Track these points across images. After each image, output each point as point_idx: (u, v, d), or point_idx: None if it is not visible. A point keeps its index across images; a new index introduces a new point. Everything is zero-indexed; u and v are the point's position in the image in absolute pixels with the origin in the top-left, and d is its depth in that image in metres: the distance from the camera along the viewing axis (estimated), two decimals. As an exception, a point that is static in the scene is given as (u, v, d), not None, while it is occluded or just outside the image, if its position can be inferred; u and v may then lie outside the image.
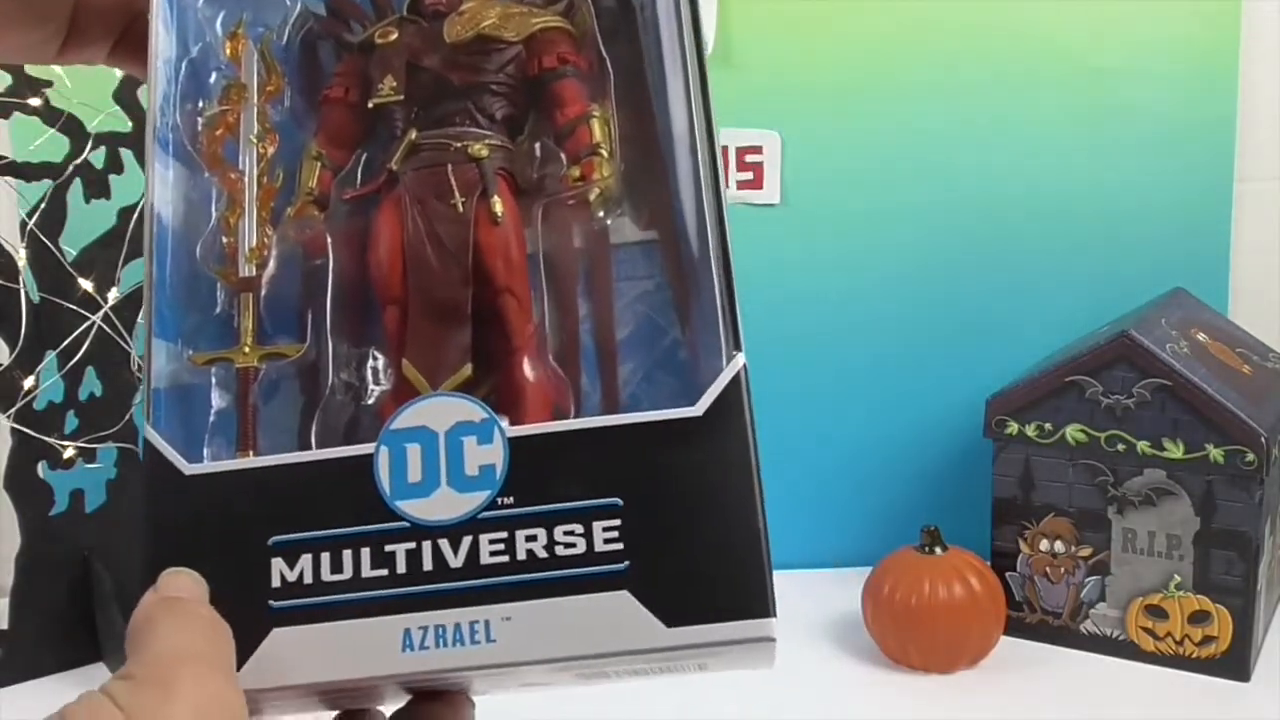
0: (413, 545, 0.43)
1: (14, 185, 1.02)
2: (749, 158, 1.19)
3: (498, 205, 0.50)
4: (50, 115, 1.02)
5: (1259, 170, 1.22)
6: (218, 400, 0.50)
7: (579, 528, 0.43)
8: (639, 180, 0.51)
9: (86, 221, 1.04)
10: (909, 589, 1.02)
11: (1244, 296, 1.23)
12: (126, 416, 1.07)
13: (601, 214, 0.51)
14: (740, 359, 0.45)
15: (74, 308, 1.04)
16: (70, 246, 1.03)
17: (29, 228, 1.02)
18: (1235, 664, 1.01)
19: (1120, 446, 1.03)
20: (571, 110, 0.52)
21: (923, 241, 1.20)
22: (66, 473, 1.06)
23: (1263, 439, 0.97)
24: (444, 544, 0.43)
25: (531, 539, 0.43)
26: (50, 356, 1.04)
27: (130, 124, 1.04)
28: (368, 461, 0.44)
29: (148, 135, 0.49)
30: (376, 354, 0.50)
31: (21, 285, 1.02)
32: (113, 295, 1.06)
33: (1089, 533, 1.06)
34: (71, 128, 1.03)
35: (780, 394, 1.18)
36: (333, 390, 0.50)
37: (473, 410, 0.45)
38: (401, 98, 0.52)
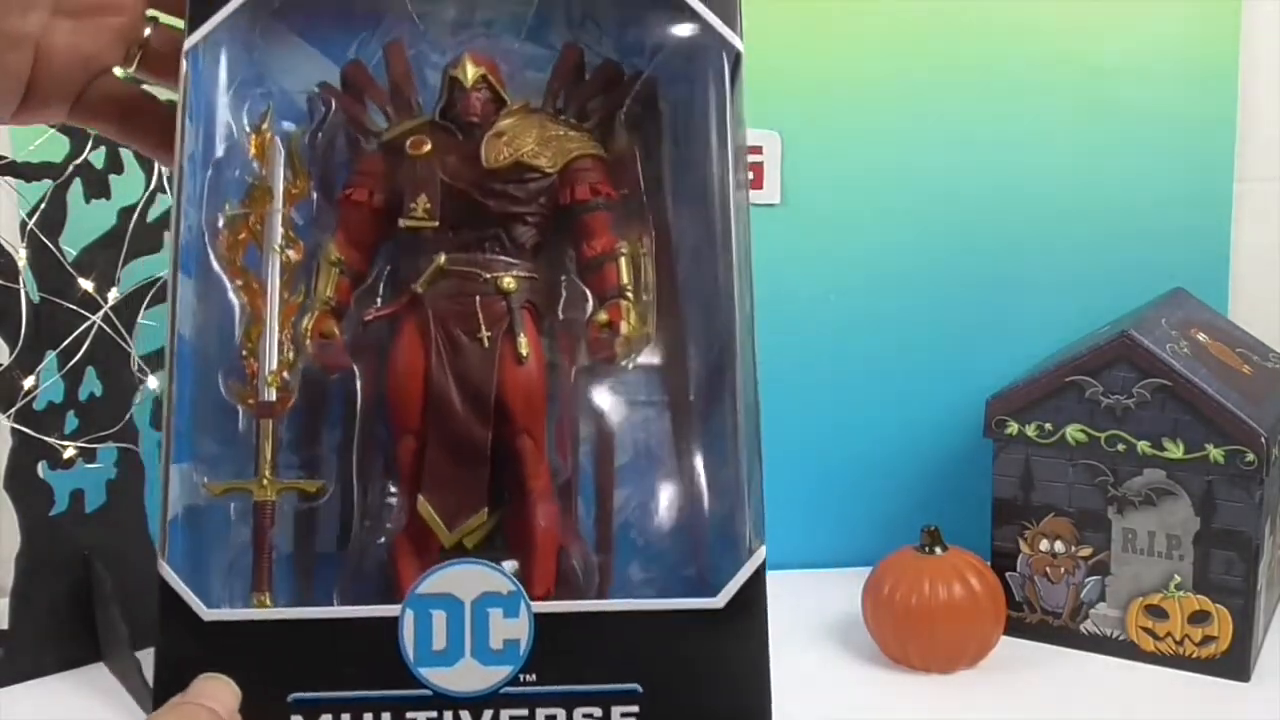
0: (434, 715, 0.44)
1: (14, 185, 1.02)
2: (749, 158, 1.19)
3: (524, 345, 0.49)
4: (50, 115, 1.02)
5: (1259, 170, 1.22)
6: (234, 534, 0.49)
7: (598, 711, 0.44)
8: (649, 299, 0.50)
9: (86, 221, 1.04)
10: (909, 589, 1.02)
11: (1244, 296, 1.23)
12: (127, 416, 1.07)
13: (625, 363, 0.50)
14: (762, 552, 0.45)
15: (74, 308, 1.04)
16: (70, 246, 1.03)
17: (29, 228, 1.02)
18: (1235, 664, 1.01)
19: (1120, 446, 1.03)
20: (600, 244, 0.51)
21: (923, 241, 1.20)
22: (66, 473, 1.06)
23: (1263, 439, 0.97)
24: (465, 716, 0.44)
25: (551, 718, 0.44)
26: (50, 356, 1.04)
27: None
28: (392, 624, 0.44)
29: (170, 248, 0.48)
30: (391, 487, 0.50)
31: (21, 285, 1.02)
32: (113, 295, 1.06)
33: (1089, 533, 1.06)
34: (71, 127, 1.03)
35: (780, 394, 1.18)
36: (347, 524, 0.49)
37: (501, 582, 0.45)
38: (436, 224, 0.51)
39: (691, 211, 0.49)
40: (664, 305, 0.50)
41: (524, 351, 0.49)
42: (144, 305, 1.07)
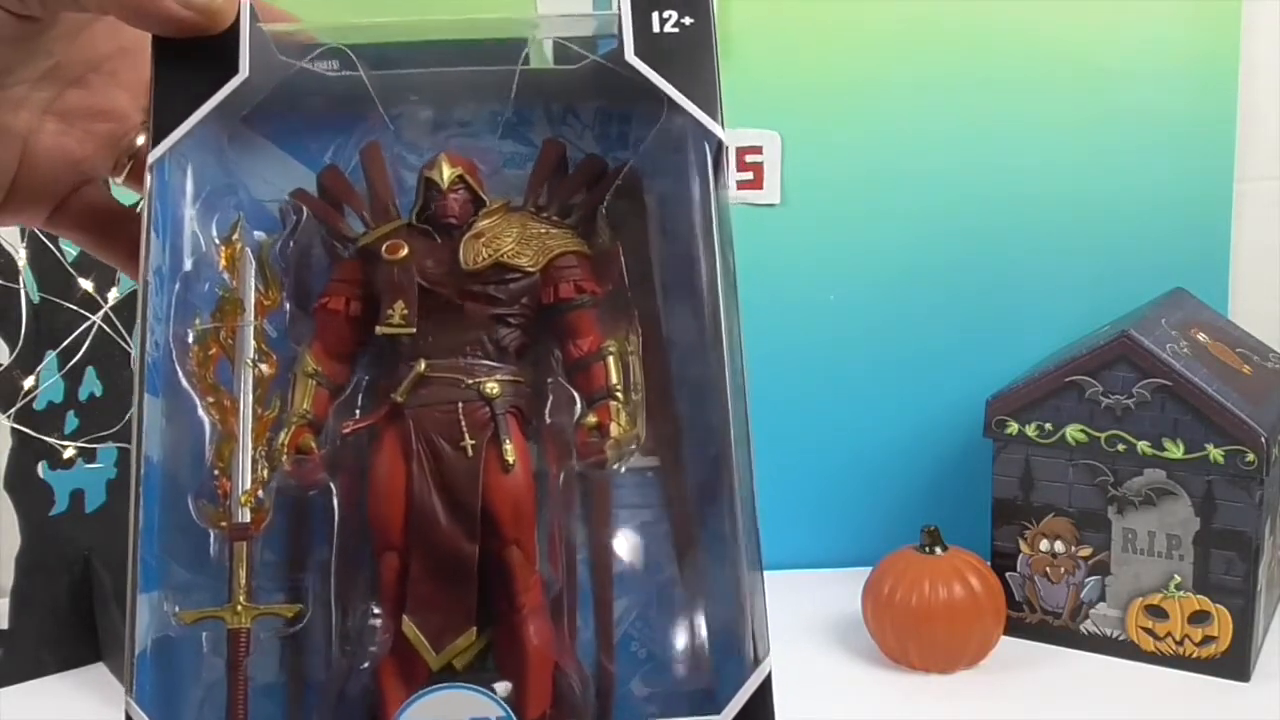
0: None
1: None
2: (749, 158, 1.19)
3: (509, 452, 0.46)
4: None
5: (1259, 170, 1.22)
6: (207, 667, 0.46)
7: None
8: (641, 398, 0.48)
9: (86, 221, 1.04)
10: (909, 589, 1.02)
11: (1244, 296, 1.23)
12: (126, 416, 1.07)
13: (617, 465, 0.48)
14: (768, 664, 0.42)
15: (74, 308, 1.04)
16: (70, 246, 1.03)
17: (29, 228, 1.02)
18: (1235, 664, 1.01)
19: (1120, 446, 1.03)
20: (586, 343, 0.49)
21: (923, 241, 1.20)
22: (66, 473, 1.06)
23: (1263, 439, 0.97)
24: None
25: None
26: (50, 356, 1.04)
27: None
28: None
29: (136, 366, 0.45)
30: (375, 608, 0.47)
31: (21, 285, 1.02)
32: (113, 295, 1.06)
33: (1089, 533, 1.06)
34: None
35: (780, 394, 1.18)
36: (326, 648, 0.47)
37: (489, 707, 0.42)
38: (413, 330, 0.48)
39: (681, 307, 0.48)
40: (658, 405, 0.48)
41: (510, 459, 0.46)
42: (144, 305, 1.07)
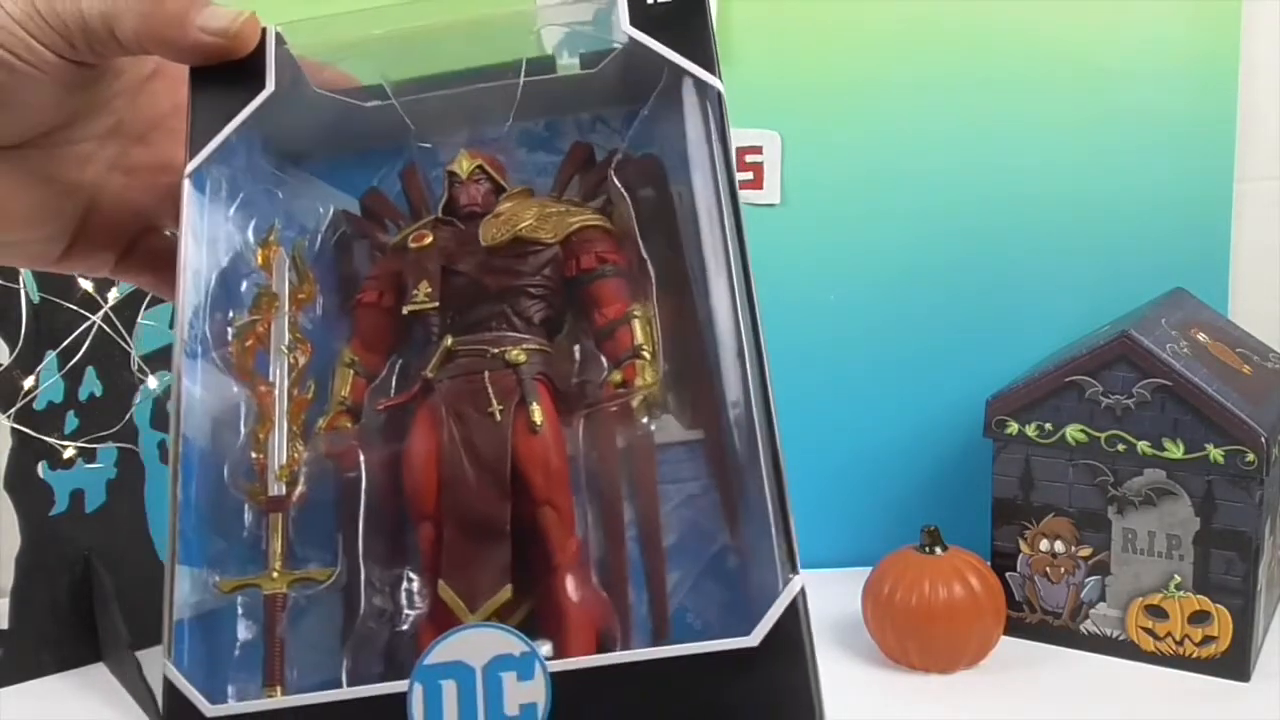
0: None
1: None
2: (749, 158, 1.19)
3: (537, 413, 0.47)
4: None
5: (1259, 170, 1.22)
6: (244, 631, 0.47)
7: None
8: (683, 377, 0.49)
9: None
10: (909, 589, 1.02)
11: (1244, 296, 1.23)
12: (126, 416, 1.08)
13: (645, 419, 0.48)
14: (798, 582, 0.42)
15: (74, 308, 1.04)
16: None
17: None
18: (1235, 664, 1.01)
19: (1120, 446, 1.03)
20: (611, 311, 0.50)
21: (923, 241, 1.20)
22: (66, 473, 1.06)
23: (1263, 439, 0.97)
24: None
25: None
26: (50, 356, 1.04)
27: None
28: (401, 700, 0.41)
29: (176, 351, 0.47)
30: (411, 575, 0.48)
31: (21, 285, 1.02)
32: (113, 295, 1.06)
33: (1089, 533, 1.06)
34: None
35: (780, 394, 1.18)
36: (366, 616, 0.47)
37: (512, 642, 0.42)
38: (437, 305, 0.50)
39: (707, 290, 0.48)
40: (697, 378, 0.48)
41: (538, 420, 0.47)
42: (144, 305, 1.07)
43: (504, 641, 0.42)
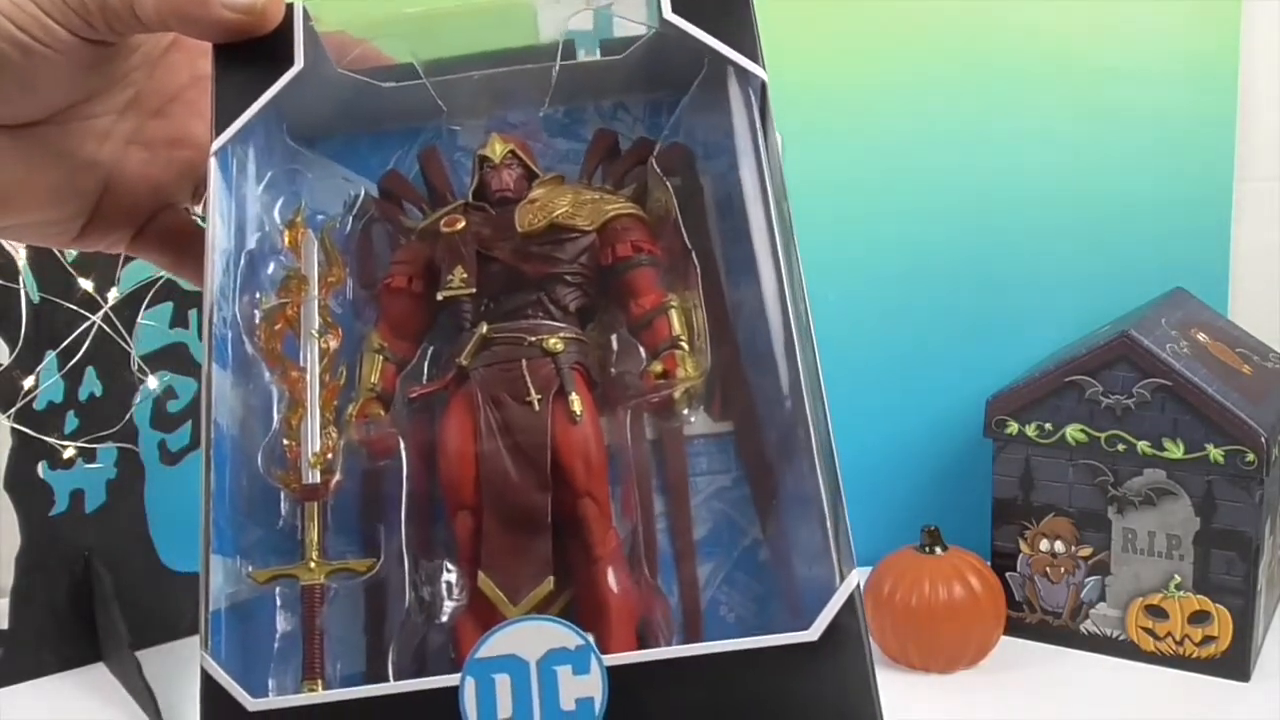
0: None
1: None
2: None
3: (576, 403, 0.46)
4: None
5: (1259, 170, 1.22)
6: (282, 622, 0.46)
7: None
8: (712, 369, 0.48)
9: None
10: (909, 589, 1.02)
11: (1244, 296, 1.23)
12: (126, 416, 1.08)
13: (686, 411, 0.48)
14: (855, 576, 0.41)
15: (74, 308, 1.04)
16: (70, 246, 1.03)
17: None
18: (1235, 664, 1.01)
19: (1120, 446, 1.03)
20: (648, 300, 0.49)
21: (923, 241, 1.20)
22: (66, 473, 1.06)
23: (1263, 439, 0.97)
24: None
25: None
26: (50, 356, 1.04)
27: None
28: (452, 695, 0.40)
29: (204, 335, 0.46)
30: (449, 566, 0.47)
31: (21, 285, 1.02)
32: (113, 295, 1.06)
33: (1089, 533, 1.06)
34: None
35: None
36: (411, 608, 0.47)
37: (567, 636, 0.41)
38: (473, 291, 0.49)
39: (746, 279, 0.48)
40: (728, 369, 0.48)
41: (577, 409, 0.46)
42: (144, 305, 1.07)
43: (558, 635, 0.41)
